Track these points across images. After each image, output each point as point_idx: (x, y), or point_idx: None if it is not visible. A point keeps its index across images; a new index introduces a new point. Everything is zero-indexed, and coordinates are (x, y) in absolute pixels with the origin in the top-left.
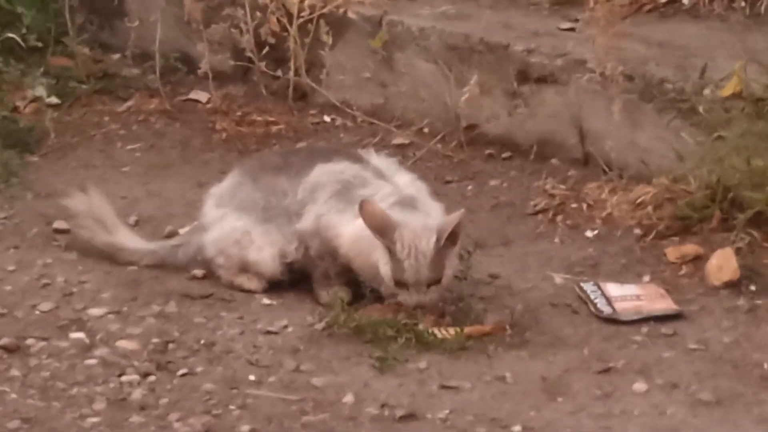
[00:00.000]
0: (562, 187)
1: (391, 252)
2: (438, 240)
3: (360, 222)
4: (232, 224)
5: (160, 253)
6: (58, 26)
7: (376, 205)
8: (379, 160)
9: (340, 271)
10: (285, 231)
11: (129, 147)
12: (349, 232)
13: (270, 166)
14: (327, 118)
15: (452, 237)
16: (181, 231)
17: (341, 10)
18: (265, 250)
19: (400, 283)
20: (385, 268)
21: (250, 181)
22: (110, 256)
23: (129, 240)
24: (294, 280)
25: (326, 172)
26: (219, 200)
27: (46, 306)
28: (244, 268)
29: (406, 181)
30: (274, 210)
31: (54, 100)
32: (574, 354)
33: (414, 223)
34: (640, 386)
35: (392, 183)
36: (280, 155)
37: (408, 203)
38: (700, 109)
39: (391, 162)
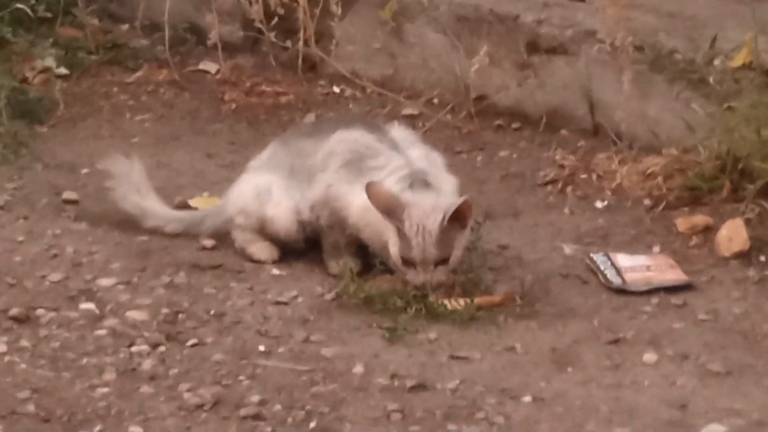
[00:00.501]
0: (572, 157)
1: (400, 231)
2: (443, 219)
3: None
4: (254, 181)
5: (186, 221)
6: None
7: (382, 186)
8: (398, 131)
9: (350, 241)
10: (304, 189)
11: (138, 118)
12: (358, 203)
13: (301, 132)
14: (336, 89)
15: (461, 219)
16: (191, 201)
17: None
18: (282, 205)
19: (407, 262)
20: (393, 247)
21: (281, 147)
22: (136, 219)
23: (158, 206)
24: (305, 249)
25: (341, 140)
26: (253, 168)
27: (55, 276)
28: (262, 227)
29: (419, 154)
30: (298, 170)
31: (63, 70)
32: (584, 325)
33: (423, 202)
34: (650, 357)
35: (405, 156)
36: (312, 123)
37: (419, 178)
38: (710, 79)
39: (410, 134)
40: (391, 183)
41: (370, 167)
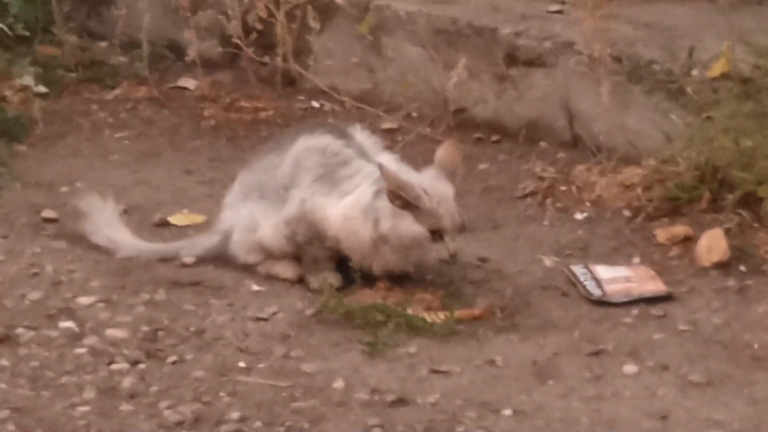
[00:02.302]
0: (551, 169)
1: (418, 208)
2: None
3: (346, 202)
4: (240, 216)
5: (160, 252)
6: (45, 15)
7: (391, 167)
8: (361, 135)
9: (329, 255)
10: (277, 205)
11: (117, 135)
12: (337, 213)
13: (264, 150)
14: (315, 104)
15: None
16: (171, 218)
17: None
18: (263, 224)
19: (437, 234)
20: (413, 228)
21: (247, 173)
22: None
23: (129, 237)
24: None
25: (308, 148)
26: (229, 205)
27: (35, 295)
28: (269, 252)
29: (389, 159)
30: (267, 186)
31: (42, 88)
32: (565, 337)
33: (423, 178)
34: (630, 368)
35: (374, 162)
36: (273, 139)
37: None
38: (689, 90)
39: (373, 138)
40: (364, 188)
41: (343, 176)
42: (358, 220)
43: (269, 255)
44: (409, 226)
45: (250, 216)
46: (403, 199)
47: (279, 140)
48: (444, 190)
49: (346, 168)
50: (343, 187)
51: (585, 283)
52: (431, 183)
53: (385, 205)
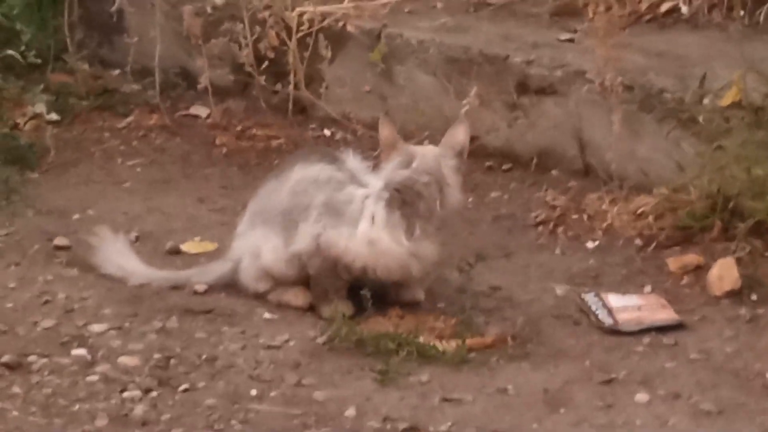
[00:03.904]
0: (563, 198)
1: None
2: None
3: (362, 230)
4: (246, 246)
5: (171, 280)
6: (57, 43)
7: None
8: (354, 161)
9: (342, 284)
10: (277, 229)
11: (129, 163)
12: (358, 244)
13: (266, 179)
14: (327, 132)
15: None
16: (183, 246)
17: (340, 24)
18: (263, 249)
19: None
20: (459, 195)
21: (254, 202)
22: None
23: (140, 266)
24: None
25: (303, 179)
26: (239, 234)
27: (47, 323)
28: (273, 276)
29: (379, 183)
30: (269, 211)
31: (54, 116)
32: (576, 365)
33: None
34: (642, 397)
35: (367, 184)
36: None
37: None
38: (700, 118)
39: (364, 163)
40: (372, 207)
41: (342, 202)
42: (384, 238)
43: (277, 282)
44: (458, 193)
45: (254, 243)
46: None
47: (280, 166)
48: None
49: (342, 194)
50: (349, 215)
51: (596, 311)
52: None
53: (430, 183)
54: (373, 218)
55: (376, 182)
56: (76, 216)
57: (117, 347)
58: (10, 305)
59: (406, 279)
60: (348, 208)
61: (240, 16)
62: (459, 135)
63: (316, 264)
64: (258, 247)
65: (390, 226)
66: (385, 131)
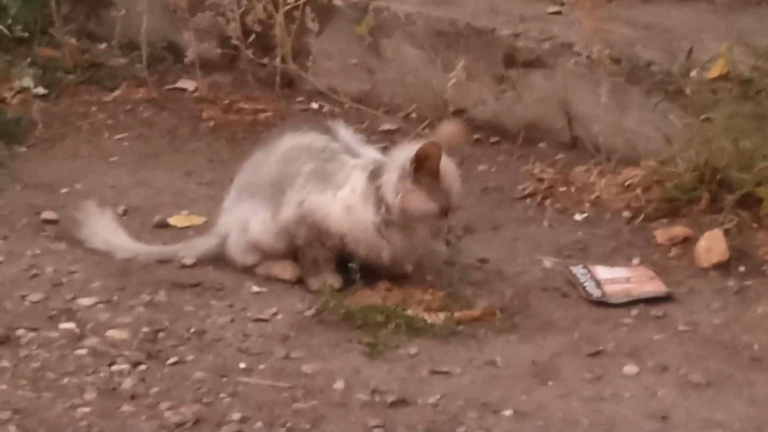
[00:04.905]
0: (551, 170)
1: (431, 184)
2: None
3: (343, 194)
4: (234, 219)
5: (157, 254)
6: (44, 17)
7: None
8: (347, 133)
9: (329, 256)
10: (266, 202)
11: (117, 137)
12: (336, 207)
13: (252, 151)
14: (314, 105)
15: None
16: (170, 220)
17: None
18: (252, 222)
19: (444, 212)
20: (425, 204)
21: (240, 175)
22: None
23: (127, 240)
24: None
25: (294, 147)
26: (226, 209)
27: (35, 296)
28: (261, 250)
29: (374, 152)
30: (256, 184)
31: (41, 90)
32: (564, 337)
33: None
34: (630, 369)
35: (362, 154)
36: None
37: (378, 162)
38: (687, 91)
39: (359, 137)
40: (356, 177)
41: (333, 170)
42: (359, 207)
43: (265, 255)
44: (423, 203)
45: (242, 216)
46: (426, 172)
47: (266, 139)
48: (451, 166)
49: (334, 162)
50: (336, 181)
51: (585, 283)
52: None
53: (389, 180)
54: (354, 188)
55: (369, 154)
56: (63, 190)
57: (105, 321)
58: None
59: (375, 259)
60: (337, 175)
61: None
62: (454, 131)
63: (303, 233)
64: (246, 220)
65: (365, 197)
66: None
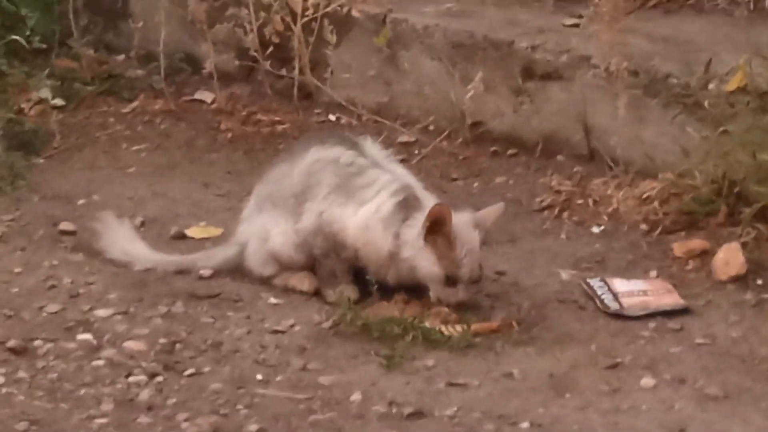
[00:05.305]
0: (568, 183)
1: (443, 248)
2: (480, 233)
3: (366, 211)
4: (254, 230)
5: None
6: (62, 28)
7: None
8: (371, 147)
9: (346, 268)
10: (287, 214)
11: (134, 148)
12: (355, 222)
13: (275, 162)
14: (332, 117)
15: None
16: (188, 231)
17: (345, 9)
18: (272, 233)
19: (451, 281)
20: (432, 267)
21: (261, 186)
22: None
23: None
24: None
25: (320, 160)
26: (245, 219)
27: (53, 307)
28: (280, 261)
29: (401, 169)
30: (278, 196)
31: (59, 101)
32: (582, 350)
33: (458, 218)
34: (647, 381)
35: (389, 171)
36: (287, 151)
37: (410, 193)
38: (705, 103)
39: (386, 152)
40: (384, 198)
41: (359, 185)
42: (377, 230)
43: (283, 266)
44: (429, 265)
45: (262, 227)
46: (439, 238)
47: (290, 150)
48: (473, 240)
49: (362, 177)
50: (360, 196)
51: (602, 296)
52: (464, 228)
53: (411, 231)
54: (378, 208)
55: (398, 171)
56: (81, 201)
57: (122, 332)
58: (15, 290)
59: (383, 279)
60: (363, 191)
61: (245, 1)
62: (493, 214)
63: (320, 243)
64: (266, 230)
65: (387, 224)
66: None
